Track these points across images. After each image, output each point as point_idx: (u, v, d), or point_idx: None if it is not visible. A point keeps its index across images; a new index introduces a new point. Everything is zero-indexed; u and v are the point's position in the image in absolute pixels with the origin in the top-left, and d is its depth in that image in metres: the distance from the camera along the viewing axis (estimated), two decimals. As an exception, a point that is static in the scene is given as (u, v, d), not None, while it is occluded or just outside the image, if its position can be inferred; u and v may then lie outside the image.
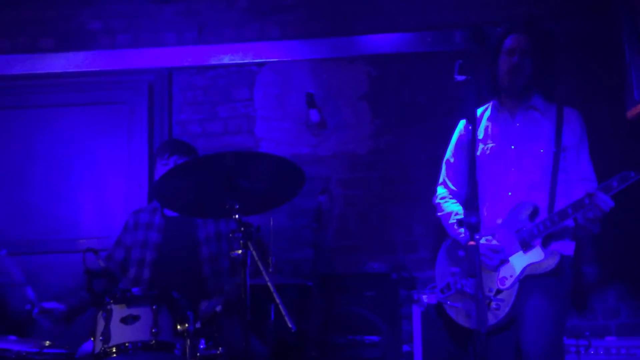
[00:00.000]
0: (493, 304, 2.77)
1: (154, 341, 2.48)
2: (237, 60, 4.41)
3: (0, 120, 4.44)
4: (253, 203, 2.61)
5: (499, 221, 2.88)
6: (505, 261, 2.84)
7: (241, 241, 2.41)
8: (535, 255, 2.80)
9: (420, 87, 4.28)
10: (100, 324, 2.54)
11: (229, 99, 4.42)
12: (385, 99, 4.32)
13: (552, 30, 3.24)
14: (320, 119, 4.28)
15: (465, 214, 2.20)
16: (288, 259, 4.06)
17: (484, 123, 3.03)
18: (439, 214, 3.10)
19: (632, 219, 3.80)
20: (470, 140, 2.30)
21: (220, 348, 2.58)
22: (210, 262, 3.28)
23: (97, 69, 4.44)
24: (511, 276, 2.81)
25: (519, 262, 2.81)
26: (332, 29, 4.39)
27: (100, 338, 2.49)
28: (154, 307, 2.51)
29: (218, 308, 2.65)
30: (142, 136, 4.38)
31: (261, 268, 2.38)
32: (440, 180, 3.15)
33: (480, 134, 3.01)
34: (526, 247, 2.82)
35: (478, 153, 2.95)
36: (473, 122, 2.37)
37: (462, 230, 2.89)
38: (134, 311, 2.52)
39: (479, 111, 3.07)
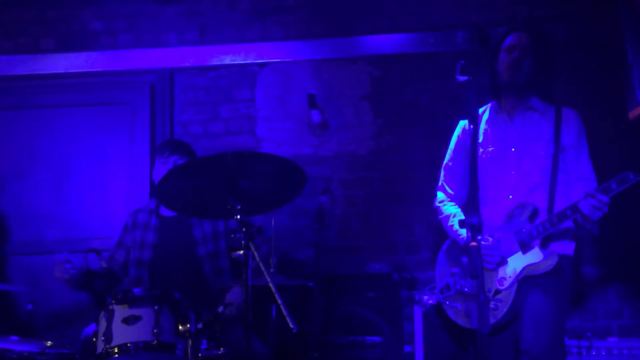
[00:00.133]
0: (492, 305, 2.78)
1: (155, 341, 2.48)
2: (239, 60, 4.41)
3: (2, 121, 4.45)
4: (255, 204, 2.62)
5: (499, 223, 2.89)
6: (504, 262, 2.84)
7: (242, 242, 2.41)
8: (534, 256, 2.80)
9: (421, 87, 4.28)
10: (102, 325, 2.54)
11: (231, 99, 4.43)
12: (386, 100, 4.32)
13: (552, 32, 3.24)
14: (322, 119, 4.28)
15: (466, 214, 2.20)
16: (289, 260, 4.06)
17: (482, 126, 3.03)
18: (439, 217, 3.11)
19: (635, 220, 3.80)
20: (470, 141, 2.30)
21: (221, 348, 2.58)
22: (210, 260, 3.28)
23: (99, 70, 4.44)
24: (510, 277, 2.82)
25: (517, 262, 2.82)
26: (333, 29, 4.39)
27: (102, 338, 2.50)
28: (155, 307, 2.52)
29: (220, 309, 2.64)
30: (144, 136, 4.39)
31: (262, 268, 2.38)
32: (439, 184, 3.16)
33: (480, 137, 3.01)
34: (525, 248, 2.82)
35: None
36: (475, 122, 2.37)
37: (463, 231, 2.89)
38: (136, 311, 2.53)
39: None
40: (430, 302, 3.22)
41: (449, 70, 2.45)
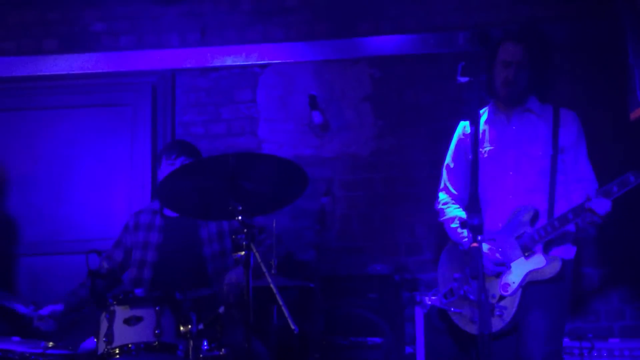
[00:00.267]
0: (496, 311, 2.77)
1: (157, 342, 2.48)
2: (240, 61, 4.41)
3: (5, 122, 4.45)
4: (256, 205, 2.62)
5: (500, 226, 2.88)
6: (507, 267, 2.84)
7: (244, 242, 2.41)
8: (537, 261, 2.80)
9: (423, 88, 4.28)
10: (104, 325, 2.55)
11: (232, 100, 4.43)
12: (388, 101, 4.32)
13: (552, 33, 3.23)
14: (323, 120, 4.28)
15: (467, 216, 2.21)
16: (291, 260, 4.06)
17: (481, 126, 3.03)
18: (441, 219, 3.11)
19: (636, 220, 3.80)
20: (472, 142, 2.30)
21: (223, 349, 2.58)
22: (214, 260, 3.29)
23: (101, 71, 4.45)
24: (514, 282, 2.81)
25: (521, 268, 2.81)
26: (335, 30, 4.39)
27: (104, 339, 2.50)
28: (157, 308, 2.52)
29: (221, 310, 2.65)
30: (145, 138, 4.39)
31: (264, 269, 2.38)
32: (442, 185, 3.16)
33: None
34: (527, 252, 2.82)
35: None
36: (476, 123, 2.37)
37: (464, 232, 2.89)
38: (137, 312, 2.53)
39: None
40: (431, 303, 3.22)
41: (450, 71, 2.45)
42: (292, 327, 2.28)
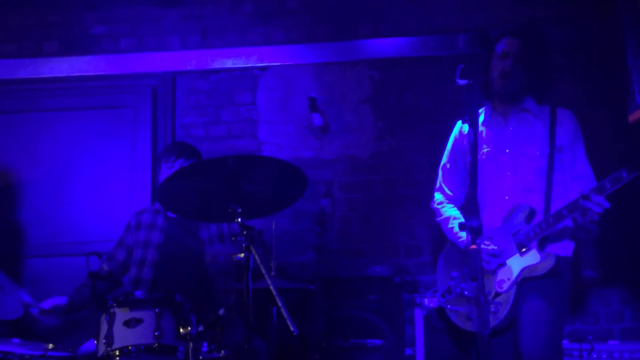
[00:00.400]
0: (492, 308, 2.78)
1: (156, 344, 2.49)
2: (240, 64, 4.43)
3: (5, 124, 4.46)
4: (256, 207, 2.63)
5: (497, 225, 2.89)
6: (502, 264, 2.85)
7: (243, 245, 2.42)
8: (532, 257, 2.80)
9: (423, 91, 4.29)
10: (104, 327, 2.55)
11: (232, 102, 4.44)
12: (388, 103, 4.33)
13: (551, 34, 3.23)
14: (323, 122, 4.29)
15: (466, 217, 2.21)
16: (291, 263, 4.07)
17: (479, 127, 3.03)
18: (438, 219, 3.12)
19: (636, 222, 3.80)
20: (470, 144, 2.30)
21: (222, 351, 2.58)
22: (214, 262, 3.29)
23: (101, 73, 4.46)
24: (509, 279, 2.82)
25: (515, 265, 2.82)
26: (335, 33, 4.40)
27: (104, 341, 2.51)
28: (156, 310, 2.53)
29: (221, 312, 2.65)
30: (146, 140, 4.40)
31: (263, 271, 2.39)
32: (437, 185, 3.17)
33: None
34: (523, 249, 2.82)
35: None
36: (475, 126, 2.38)
37: (462, 234, 2.90)
38: (137, 314, 2.54)
39: None
40: (431, 304, 3.23)
41: (449, 73, 2.46)
42: (292, 328, 2.28)
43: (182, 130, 4.42)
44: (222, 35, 4.47)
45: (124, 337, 2.50)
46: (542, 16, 4.19)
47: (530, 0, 4.23)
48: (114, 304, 2.56)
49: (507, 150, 2.94)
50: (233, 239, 2.43)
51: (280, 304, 2.29)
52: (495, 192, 2.91)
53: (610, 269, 4.00)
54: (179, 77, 4.47)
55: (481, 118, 3.05)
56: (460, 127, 3.11)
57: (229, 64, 4.43)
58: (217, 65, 4.43)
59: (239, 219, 2.46)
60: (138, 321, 2.52)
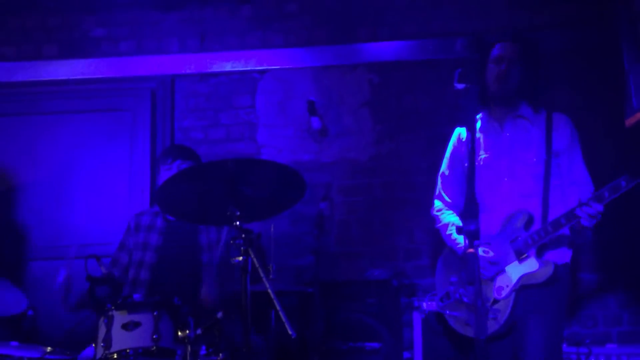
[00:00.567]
0: (490, 314, 2.78)
1: (154, 347, 2.49)
2: (240, 67, 4.43)
3: (5, 127, 4.47)
4: (255, 210, 2.63)
5: (495, 231, 2.90)
6: (501, 271, 2.85)
7: (242, 248, 2.42)
8: (530, 265, 2.81)
9: (421, 94, 4.30)
10: (102, 330, 2.56)
11: (231, 106, 4.44)
12: (386, 106, 4.33)
13: (546, 41, 3.24)
14: (322, 126, 4.29)
15: (464, 222, 2.21)
16: (289, 266, 4.07)
17: (476, 134, 3.04)
18: (437, 225, 3.13)
19: (634, 226, 3.81)
20: (468, 149, 2.31)
21: (220, 354, 2.59)
22: (211, 265, 3.29)
23: (101, 76, 4.47)
24: (507, 286, 2.82)
25: (514, 272, 2.83)
26: (334, 36, 4.41)
27: (102, 344, 2.51)
28: (155, 313, 2.53)
29: (219, 315, 2.65)
30: (145, 143, 4.40)
31: (262, 274, 2.39)
32: (437, 192, 3.18)
33: None
34: (521, 256, 2.83)
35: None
36: (472, 130, 2.38)
37: (461, 239, 2.90)
38: (135, 317, 2.54)
39: None
40: (429, 308, 3.23)
41: (448, 77, 2.46)
42: (290, 332, 2.28)
43: (181, 133, 4.43)
44: (221, 38, 4.48)
45: (122, 340, 2.51)
46: (539, 21, 4.21)
47: (527, 6, 4.25)
48: (112, 307, 2.56)
49: (504, 157, 2.95)
50: (232, 241, 2.44)
51: (278, 307, 2.29)
52: (493, 197, 2.92)
53: (608, 273, 4.01)
54: (178, 80, 4.48)
55: (478, 124, 3.06)
56: (459, 134, 3.12)
57: (228, 67, 4.44)
58: (216, 68, 4.44)
59: (238, 222, 2.47)
60: (136, 324, 2.52)
